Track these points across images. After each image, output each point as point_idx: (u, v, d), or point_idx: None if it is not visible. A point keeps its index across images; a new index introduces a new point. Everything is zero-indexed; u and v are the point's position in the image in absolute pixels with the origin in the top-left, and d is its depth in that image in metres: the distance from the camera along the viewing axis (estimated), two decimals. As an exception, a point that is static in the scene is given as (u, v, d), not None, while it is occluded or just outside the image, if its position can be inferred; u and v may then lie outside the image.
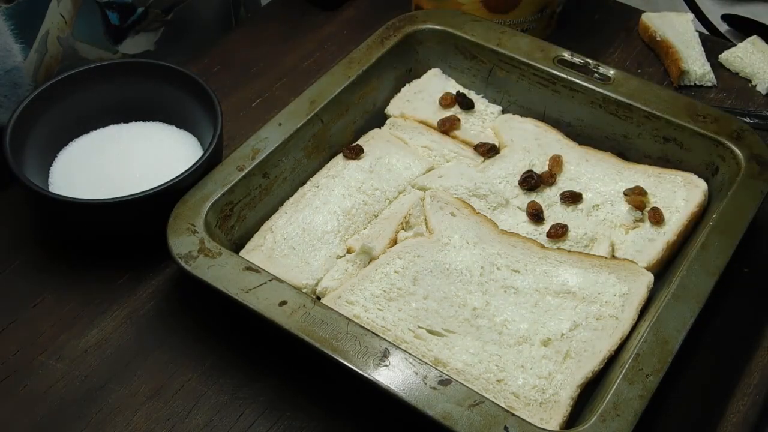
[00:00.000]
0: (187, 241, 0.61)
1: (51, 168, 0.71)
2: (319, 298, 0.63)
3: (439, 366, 0.58)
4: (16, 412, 0.60)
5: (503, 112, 0.79)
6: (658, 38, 0.89)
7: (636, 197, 0.69)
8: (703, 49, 0.88)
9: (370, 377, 0.53)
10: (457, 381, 0.54)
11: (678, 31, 0.89)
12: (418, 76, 0.80)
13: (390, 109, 0.78)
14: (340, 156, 0.73)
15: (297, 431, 0.59)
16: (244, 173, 0.66)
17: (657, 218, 0.67)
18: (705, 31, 0.97)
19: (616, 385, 0.53)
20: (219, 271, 0.59)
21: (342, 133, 0.74)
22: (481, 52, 0.78)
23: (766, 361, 0.63)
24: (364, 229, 0.68)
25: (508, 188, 0.71)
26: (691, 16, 0.92)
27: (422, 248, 0.65)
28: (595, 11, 0.95)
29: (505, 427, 0.51)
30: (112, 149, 0.72)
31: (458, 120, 0.76)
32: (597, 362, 0.58)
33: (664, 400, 0.60)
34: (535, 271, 0.63)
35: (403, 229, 0.67)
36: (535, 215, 0.68)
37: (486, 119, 0.78)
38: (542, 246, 0.65)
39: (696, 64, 0.86)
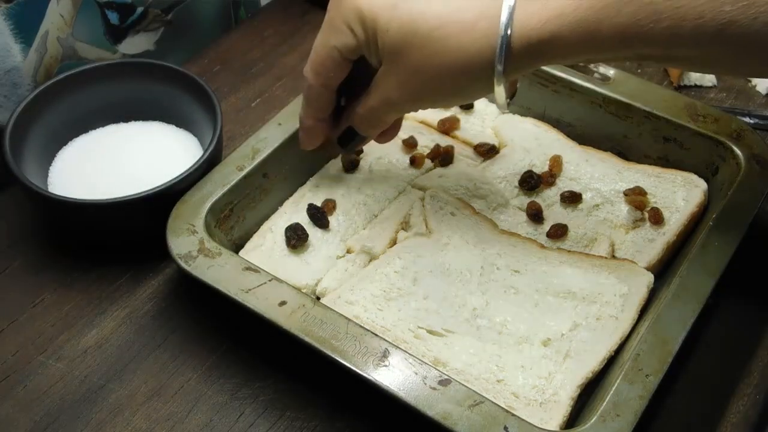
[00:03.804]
0: (187, 241, 0.61)
1: (50, 168, 0.71)
2: (318, 298, 0.63)
3: (439, 366, 0.58)
4: (16, 412, 0.60)
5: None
6: (658, 38, 0.88)
7: (636, 197, 0.69)
8: (703, 49, 0.88)
9: (370, 377, 0.53)
10: (457, 381, 0.53)
11: (678, 31, 0.89)
12: (418, 76, 0.80)
13: (390, 109, 0.78)
14: (340, 156, 0.73)
15: (297, 431, 0.59)
16: (243, 173, 0.66)
17: (657, 218, 0.67)
18: (705, 31, 0.97)
19: (616, 385, 0.53)
20: (218, 271, 0.59)
21: (342, 133, 0.74)
22: (481, 52, 0.78)
23: (766, 361, 0.63)
24: (364, 229, 0.68)
25: (508, 188, 0.71)
26: (691, 15, 0.92)
27: (422, 248, 0.65)
28: (595, 11, 0.95)
29: (505, 427, 0.51)
30: (112, 149, 0.72)
31: (458, 120, 0.76)
32: (597, 362, 0.58)
33: (664, 400, 0.60)
34: (535, 272, 0.63)
35: (403, 229, 0.67)
36: (535, 215, 0.68)
37: (486, 119, 0.78)
38: (542, 246, 0.65)
39: (696, 64, 0.86)
